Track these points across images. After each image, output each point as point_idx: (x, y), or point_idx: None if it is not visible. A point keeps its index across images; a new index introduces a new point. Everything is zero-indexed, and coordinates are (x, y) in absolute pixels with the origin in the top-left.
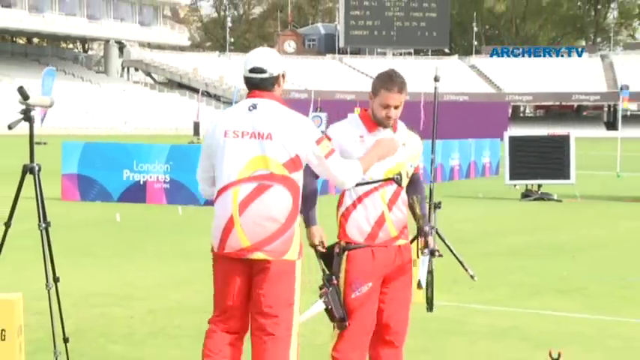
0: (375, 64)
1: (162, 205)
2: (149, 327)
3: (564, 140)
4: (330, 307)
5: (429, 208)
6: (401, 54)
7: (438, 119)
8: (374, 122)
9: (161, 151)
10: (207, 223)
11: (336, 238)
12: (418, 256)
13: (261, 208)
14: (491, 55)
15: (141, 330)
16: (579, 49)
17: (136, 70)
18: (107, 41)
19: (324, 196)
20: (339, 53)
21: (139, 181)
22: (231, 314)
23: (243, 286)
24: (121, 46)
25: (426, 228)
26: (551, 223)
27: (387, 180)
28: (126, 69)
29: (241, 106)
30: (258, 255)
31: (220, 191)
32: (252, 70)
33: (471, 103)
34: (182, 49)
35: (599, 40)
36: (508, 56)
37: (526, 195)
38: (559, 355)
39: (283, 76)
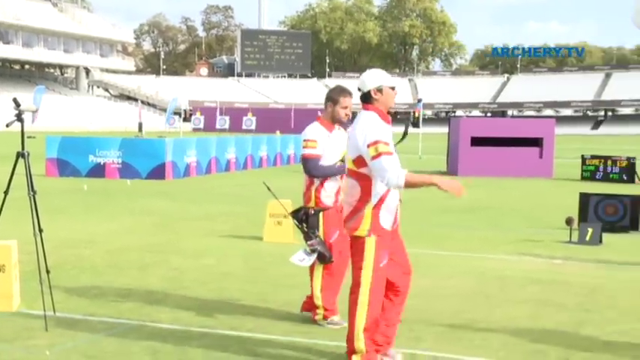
0: (262, 83)
1: (116, 179)
2: (107, 262)
3: None
4: (322, 251)
5: None
6: (279, 77)
7: (307, 122)
8: (332, 123)
9: (115, 142)
10: (147, 190)
11: (304, 204)
12: None
13: (346, 195)
14: (338, 78)
15: (101, 264)
16: (395, 75)
17: (98, 87)
18: (77, 67)
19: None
20: (237, 76)
21: (100, 162)
22: None
23: None
24: (88, 71)
25: None
26: None
27: (342, 161)
28: (91, 86)
29: None
30: (344, 231)
31: None
32: (357, 90)
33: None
34: (129, 73)
35: (407, 69)
36: (349, 79)
37: None
38: None
39: (379, 89)
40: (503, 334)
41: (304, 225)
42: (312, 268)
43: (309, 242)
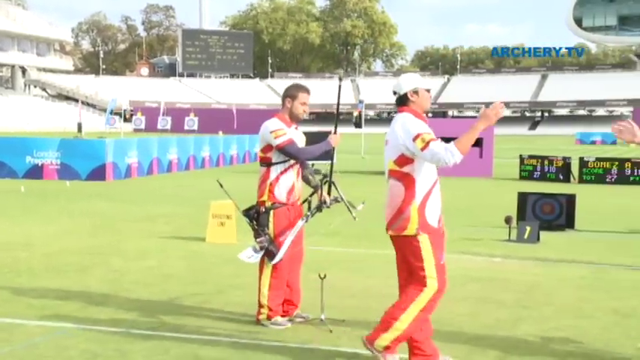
0: (204, 83)
1: (54, 180)
2: (45, 265)
3: (328, 134)
4: (270, 248)
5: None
6: (221, 77)
7: (249, 123)
8: (290, 120)
9: (53, 143)
10: (87, 192)
11: (256, 201)
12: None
13: (389, 197)
14: (281, 79)
15: (39, 267)
16: (335, 75)
17: (35, 87)
18: (13, 66)
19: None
20: (178, 76)
21: (38, 163)
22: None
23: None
24: (24, 70)
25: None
26: None
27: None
28: (28, 86)
29: None
30: (390, 232)
31: None
32: (393, 93)
33: (268, 110)
34: (68, 72)
35: (349, 69)
36: (292, 79)
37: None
38: (325, 275)
39: (415, 92)
40: (445, 332)
41: (254, 222)
42: (261, 266)
43: (258, 239)
